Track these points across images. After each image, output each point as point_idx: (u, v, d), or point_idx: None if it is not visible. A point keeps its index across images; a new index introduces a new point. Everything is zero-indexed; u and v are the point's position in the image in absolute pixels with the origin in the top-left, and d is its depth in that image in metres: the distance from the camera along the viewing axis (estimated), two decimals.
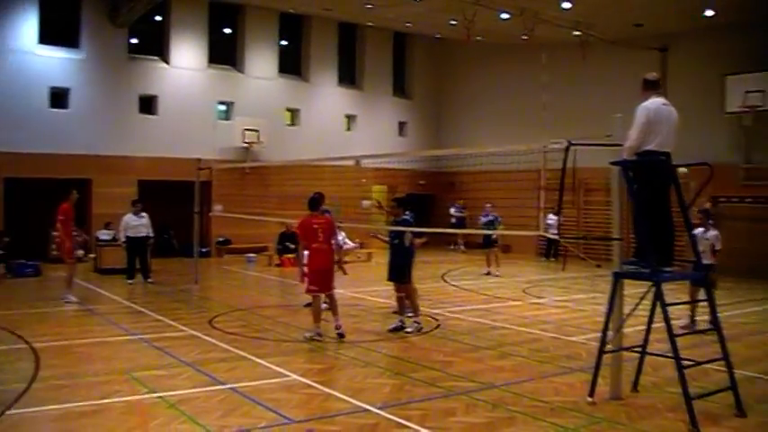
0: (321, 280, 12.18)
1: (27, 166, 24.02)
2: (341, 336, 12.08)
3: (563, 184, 8.56)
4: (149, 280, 19.58)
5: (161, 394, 8.59)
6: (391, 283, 13.38)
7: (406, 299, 13.23)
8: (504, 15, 24.58)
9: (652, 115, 8.22)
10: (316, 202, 12.70)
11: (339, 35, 32.11)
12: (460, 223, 30.34)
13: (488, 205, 22.78)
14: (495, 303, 16.50)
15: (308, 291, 12.33)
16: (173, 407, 8.10)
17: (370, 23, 31.65)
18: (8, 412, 7.85)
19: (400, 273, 13.13)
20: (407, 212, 13.55)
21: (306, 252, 12.86)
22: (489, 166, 17.17)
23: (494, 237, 22.17)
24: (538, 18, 23.21)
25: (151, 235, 20.06)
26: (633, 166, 8.32)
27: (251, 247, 25.71)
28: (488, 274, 22.13)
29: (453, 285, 20.06)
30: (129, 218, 19.81)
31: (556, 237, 20.86)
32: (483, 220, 22.69)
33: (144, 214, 19.87)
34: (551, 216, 22.22)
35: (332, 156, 23.23)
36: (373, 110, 32.76)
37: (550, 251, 27.75)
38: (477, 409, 8.19)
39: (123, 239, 19.90)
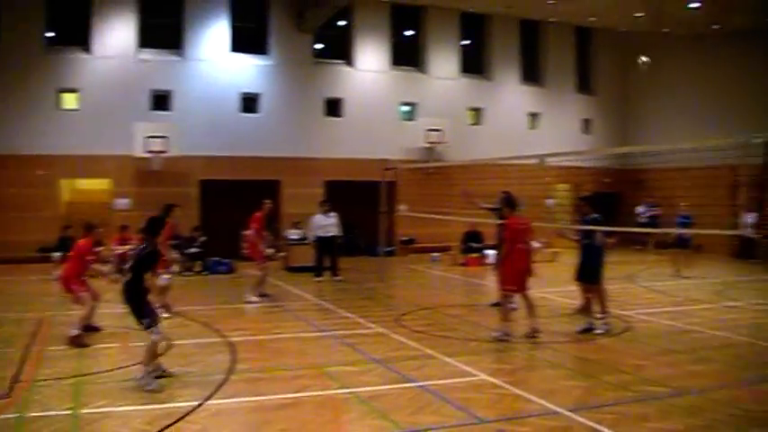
0: (520, 280, 12.05)
1: (221, 169, 25.16)
2: (534, 337, 11.90)
3: (765, 180, 8.13)
4: (337, 278, 19.97)
5: (352, 390, 8.73)
6: (578, 284, 13.07)
7: (594, 300, 12.90)
8: (693, 4, 23.61)
9: None
10: (513, 202, 12.56)
11: (520, 32, 31.74)
12: (653, 222, 29.21)
13: (683, 204, 21.87)
14: (687, 306, 15.88)
15: (505, 290, 12.21)
16: (364, 403, 8.22)
17: (552, 20, 31.16)
18: (208, 402, 8.19)
19: (590, 273, 12.79)
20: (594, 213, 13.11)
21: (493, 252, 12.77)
22: (680, 162, 16.55)
23: (687, 237, 21.25)
24: (728, 5, 22.19)
25: (340, 234, 20.49)
26: None
27: (435, 247, 25.80)
28: (678, 274, 21.25)
29: (643, 286, 19.42)
30: (319, 218, 20.34)
31: (755, 236, 19.80)
32: (680, 220, 21.79)
33: (333, 214, 20.32)
34: (750, 214, 21.17)
35: (515, 155, 23.01)
36: (557, 107, 32.21)
37: (745, 251, 26.36)
38: (672, 416, 7.86)
39: (313, 238, 20.47)
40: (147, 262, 9.12)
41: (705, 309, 15.64)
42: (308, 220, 20.93)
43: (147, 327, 8.97)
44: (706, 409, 8.12)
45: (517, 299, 12.35)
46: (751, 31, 25.23)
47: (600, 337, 12.32)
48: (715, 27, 23.92)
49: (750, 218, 21.28)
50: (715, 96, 28.18)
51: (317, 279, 19.95)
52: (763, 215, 22.41)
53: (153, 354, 9.00)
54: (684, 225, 20.84)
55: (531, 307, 12.19)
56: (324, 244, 20.27)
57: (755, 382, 9.44)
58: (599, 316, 12.72)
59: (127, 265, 9.19)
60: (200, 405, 8.02)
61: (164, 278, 13.61)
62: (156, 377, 8.88)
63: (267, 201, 17.23)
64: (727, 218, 21.23)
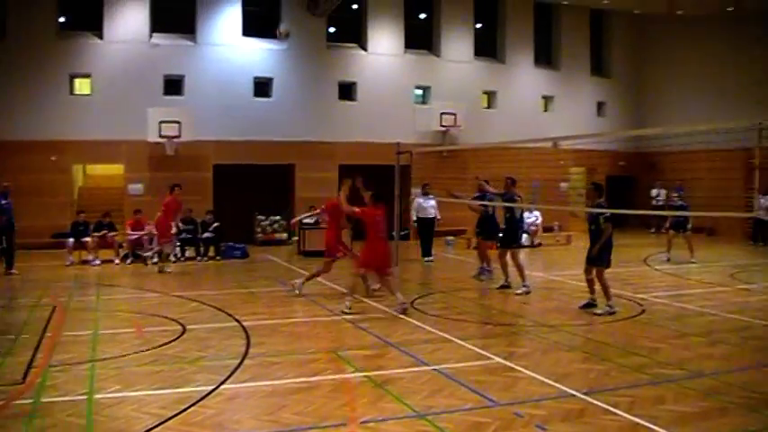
0: (378, 262, 13.31)
1: (234, 154, 25.15)
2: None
3: None
4: (429, 258, 20.72)
5: (367, 374, 8.72)
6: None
7: (596, 282, 13.00)
8: None
9: None
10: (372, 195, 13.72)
11: (534, 15, 31.56)
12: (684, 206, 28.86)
13: (678, 183, 21.54)
14: (701, 289, 15.80)
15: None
16: (379, 386, 8.19)
17: (565, 2, 31.02)
18: (223, 386, 8.19)
19: (595, 257, 12.89)
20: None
21: None
22: (695, 145, 16.45)
23: (681, 219, 20.68)
24: None
25: (438, 217, 21.23)
26: None
27: (449, 230, 25.75)
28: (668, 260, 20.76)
29: (657, 270, 19.35)
30: (420, 200, 20.91)
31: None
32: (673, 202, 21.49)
33: (431, 196, 20.76)
34: (764, 197, 21.02)
35: (529, 138, 22.91)
36: (571, 90, 32.03)
37: (759, 234, 26.14)
38: (688, 398, 7.82)
39: (414, 220, 21.39)
40: None
41: (719, 291, 15.56)
42: (413, 201, 21.62)
43: None
44: (721, 391, 8.08)
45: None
46: (764, 14, 24.98)
47: (614, 320, 12.31)
48: (729, 9, 23.68)
49: (765, 201, 21.14)
50: (729, 79, 27.98)
51: (427, 260, 20.56)
52: None
53: None
54: (680, 207, 20.51)
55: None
56: (423, 225, 20.92)
57: None
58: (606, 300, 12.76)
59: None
60: (215, 389, 8.02)
61: None
62: None
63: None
64: (743, 201, 21.11)
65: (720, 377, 8.68)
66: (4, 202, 18.33)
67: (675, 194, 21.54)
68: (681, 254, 20.60)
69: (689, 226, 20.63)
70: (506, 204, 15.36)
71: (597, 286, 13.00)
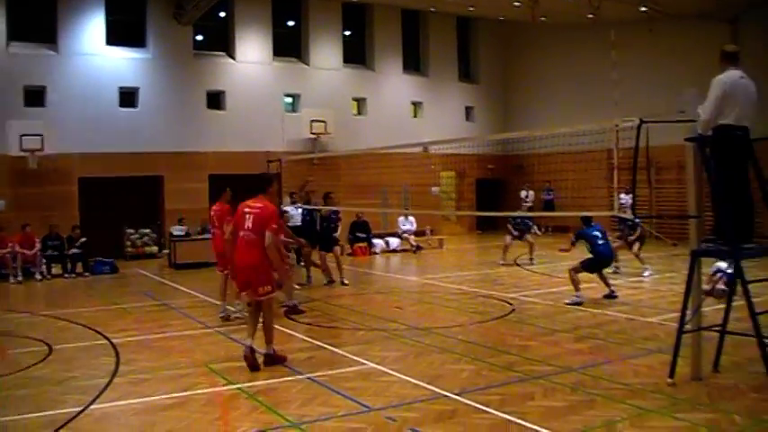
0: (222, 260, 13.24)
1: (100, 166, 24.53)
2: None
3: (636, 163, 8.37)
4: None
5: (240, 386, 8.69)
6: None
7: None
8: None
9: (728, 88, 7.98)
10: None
11: (402, 22, 31.97)
12: (551, 206, 29.68)
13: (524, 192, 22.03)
14: (569, 286, 16.29)
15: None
16: (252, 398, 8.18)
17: (432, 9, 31.50)
18: (92, 406, 8.00)
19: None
20: None
21: None
22: (559, 147, 16.95)
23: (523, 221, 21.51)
24: None
25: None
26: (709, 142, 8.12)
27: None
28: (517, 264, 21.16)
29: (527, 269, 19.86)
30: (289, 208, 19.23)
31: (629, 216, 20.40)
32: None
33: (299, 205, 19.13)
34: (623, 195, 21.76)
35: (400, 143, 23.16)
36: (440, 96, 32.60)
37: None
38: (556, 393, 8.10)
39: None
40: None
41: (586, 288, 16.01)
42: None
43: None
44: (588, 385, 8.40)
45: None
46: (624, 21, 25.96)
47: (484, 320, 12.65)
48: (590, 16, 24.51)
49: (623, 199, 21.96)
50: (591, 83, 28.92)
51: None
52: (637, 196, 23.05)
53: None
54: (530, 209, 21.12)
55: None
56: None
57: (634, 356, 9.79)
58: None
59: None
60: (83, 410, 7.83)
61: None
62: None
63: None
64: (605, 200, 21.86)
65: (588, 371, 9.01)
66: None
67: (525, 193, 22.03)
68: (548, 253, 21.22)
69: (533, 230, 21.33)
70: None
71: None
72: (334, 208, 18.33)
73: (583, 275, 14.53)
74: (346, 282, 17.47)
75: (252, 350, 9.46)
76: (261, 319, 9.70)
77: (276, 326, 12.19)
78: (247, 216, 9.76)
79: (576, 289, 14.10)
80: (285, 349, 10.54)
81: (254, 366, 9.36)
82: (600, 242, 14.59)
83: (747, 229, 8.22)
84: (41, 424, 7.42)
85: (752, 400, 7.73)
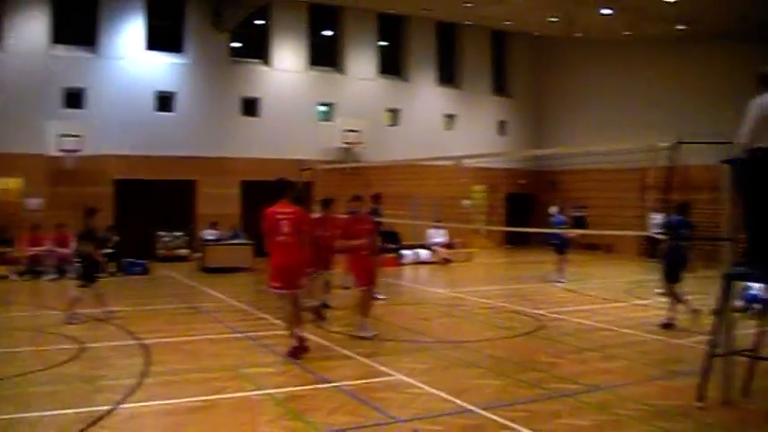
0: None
1: (135, 168, 24.83)
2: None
3: (670, 183, 8.34)
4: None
5: (268, 391, 8.73)
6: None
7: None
8: (606, 11, 24.09)
9: (764, 111, 7.94)
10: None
11: (437, 34, 32.06)
12: (581, 223, 29.21)
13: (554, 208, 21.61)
14: (597, 304, 16.25)
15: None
16: (280, 404, 8.23)
17: (468, 22, 31.50)
18: (121, 406, 8.09)
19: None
20: None
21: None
22: (592, 165, 16.91)
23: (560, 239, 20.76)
24: (640, 13, 22.71)
25: None
26: (745, 165, 8.07)
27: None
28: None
29: (556, 286, 19.76)
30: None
31: (662, 236, 20.19)
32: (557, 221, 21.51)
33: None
34: (656, 215, 21.62)
35: (432, 156, 23.20)
36: (473, 109, 32.58)
37: (653, 251, 26.83)
38: (583, 412, 8.05)
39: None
40: None
41: (615, 307, 16.02)
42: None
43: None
44: (615, 404, 8.33)
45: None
46: (660, 39, 25.86)
47: (512, 335, 12.58)
48: (626, 33, 24.43)
49: (657, 218, 21.77)
50: (626, 100, 28.80)
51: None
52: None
53: None
54: (559, 226, 20.82)
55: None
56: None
57: (662, 378, 9.71)
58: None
59: None
60: (113, 409, 7.91)
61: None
62: None
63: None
64: (637, 219, 21.73)
65: (615, 391, 8.94)
66: None
67: (555, 209, 21.66)
68: (577, 270, 21.11)
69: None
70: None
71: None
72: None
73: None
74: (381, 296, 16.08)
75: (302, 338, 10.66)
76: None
77: (307, 335, 12.31)
78: (282, 222, 10.52)
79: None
80: (314, 357, 10.61)
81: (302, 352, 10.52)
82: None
83: None
84: (72, 420, 7.51)
85: None
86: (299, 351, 10.55)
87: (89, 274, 13.60)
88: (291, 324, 10.80)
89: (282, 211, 10.66)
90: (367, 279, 12.39)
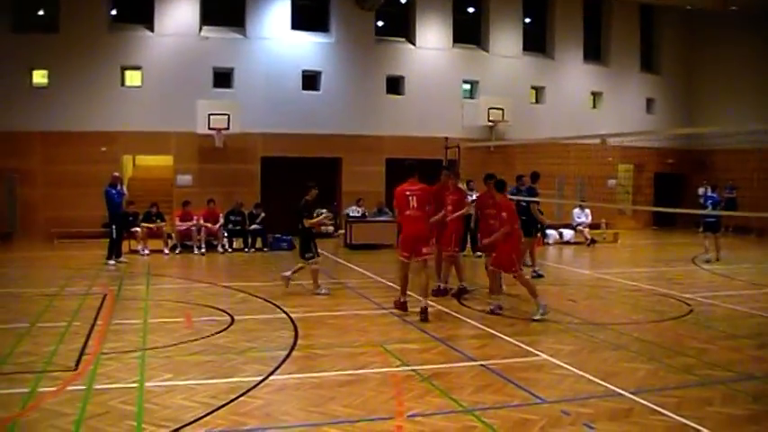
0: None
1: (282, 146, 25.38)
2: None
3: None
4: (478, 254, 19.05)
5: (414, 367, 8.73)
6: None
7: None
8: None
9: None
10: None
11: (584, 10, 31.38)
12: (732, 205, 28.08)
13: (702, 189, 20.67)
14: (750, 290, 15.55)
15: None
16: (426, 380, 8.20)
17: None
18: (272, 377, 8.26)
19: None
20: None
21: None
22: (747, 144, 16.16)
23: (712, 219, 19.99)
24: None
25: None
26: None
27: None
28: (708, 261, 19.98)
29: (705, 269, 19.09)
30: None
31: None
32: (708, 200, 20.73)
33: (476, 192, 19.05)
34: None
35: (577, 134, 22.73)
36: (620, 86, 31.76)
37: None
38: (737, 401, 7.68)
39: None
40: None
41: None
42: None
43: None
44: None
45: None
46: None
47: (661, 319, 12.22)
48: None
49: None
50: None
51: (477, 255, 19.35)
52: None
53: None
54: (714, 206, 20.04)
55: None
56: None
57: None
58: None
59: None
60: (263, 380, 8.08)
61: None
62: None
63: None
64: None
65: None
66: (114, 192, 18.68)
67: (703, 190, 20.84)
68: (728, 254, 20.32)
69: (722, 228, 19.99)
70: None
71: None
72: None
73: None
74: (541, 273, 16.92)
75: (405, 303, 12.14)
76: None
77: (449, 311, 12.30)
78: (411, 198, 12.05)
79: None
80: (459, 335, 10.65)
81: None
82: None
83: None
84: (224, 389, 7.70)
85: None
86: (401, 306, 12.16)
87: (309, 246, 14.27)
88: (403, 289, 12.22)
89: (411, 189, 12.14)
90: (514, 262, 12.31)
